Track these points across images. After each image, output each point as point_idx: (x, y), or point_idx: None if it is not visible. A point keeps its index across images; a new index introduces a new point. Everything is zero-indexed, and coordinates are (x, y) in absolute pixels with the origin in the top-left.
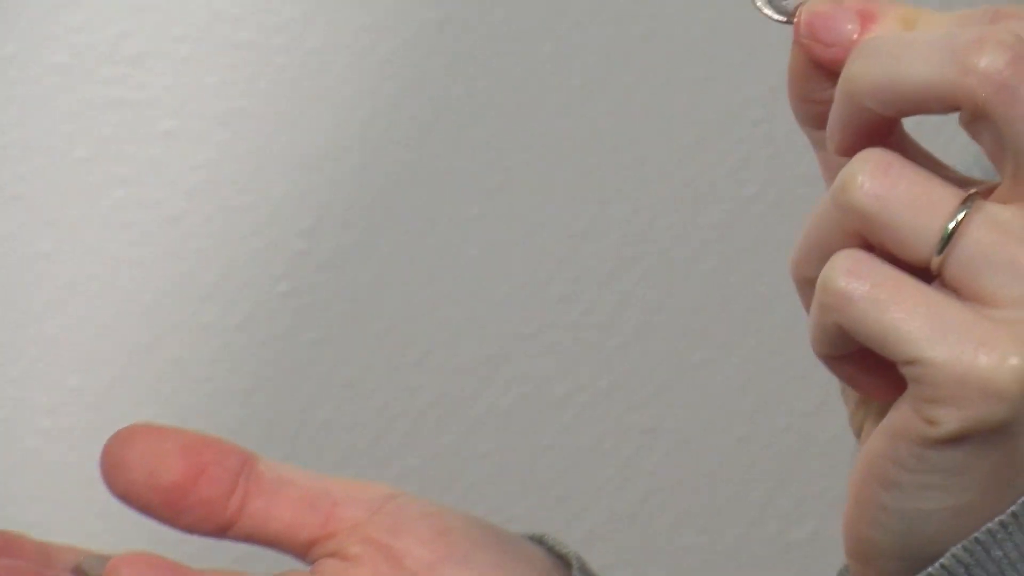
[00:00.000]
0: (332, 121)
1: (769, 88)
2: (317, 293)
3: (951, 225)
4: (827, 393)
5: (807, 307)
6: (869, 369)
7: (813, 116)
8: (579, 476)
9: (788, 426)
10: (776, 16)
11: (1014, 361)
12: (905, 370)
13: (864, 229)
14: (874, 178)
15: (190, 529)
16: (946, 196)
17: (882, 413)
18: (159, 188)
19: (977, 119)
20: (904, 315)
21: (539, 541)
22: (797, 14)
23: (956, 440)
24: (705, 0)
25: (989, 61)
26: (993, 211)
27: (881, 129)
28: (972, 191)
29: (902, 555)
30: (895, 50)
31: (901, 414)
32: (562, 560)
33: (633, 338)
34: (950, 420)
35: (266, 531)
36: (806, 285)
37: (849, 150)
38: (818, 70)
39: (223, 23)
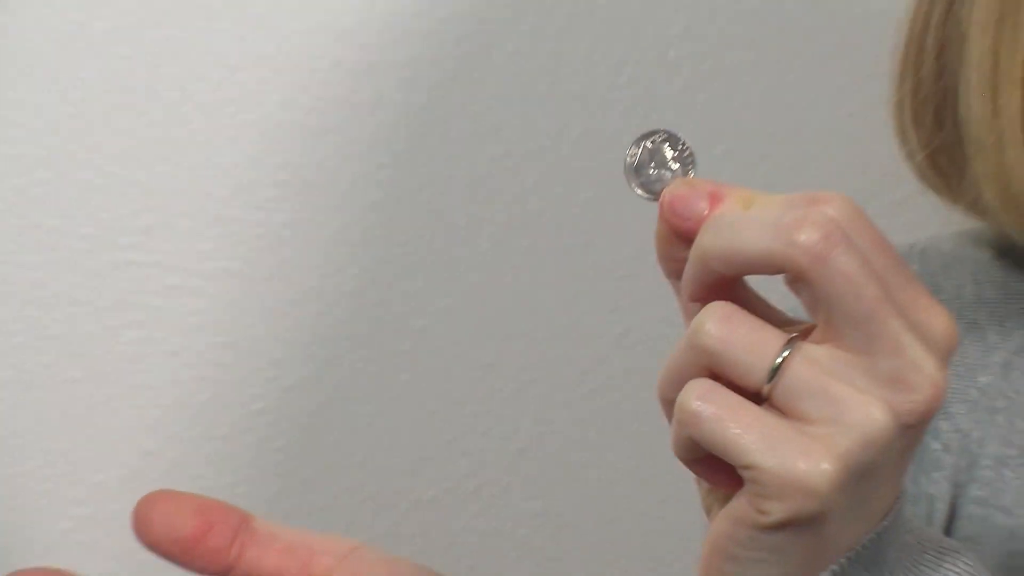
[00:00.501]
0: (296, 282)
1: None
2: (283, 411)
3: (778, 361)
4: None
5: (669, 421)
6: (716, 469)
7: (674, 271)
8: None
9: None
10: (646, 196)
11: (825, 466)
12: (742, 472)
13: (711, 364)
14: (718, 325)
15: (201, 571)
16: (774, 338)
17: (726, 500)
18: (163, 329)
19: (797, 281)
20: (741, 431)
21: None
22: (662, 194)
23: (780, 527)
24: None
25: (807, 237)
26: (809, 350)
27: (724, 284)
28: (794, 334)
29: None
30: (735, 226)
31: (739, 504)
32: None
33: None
34: (776, 511)
35: (258, 573)
36: (668, 404)
37: (700, 299)
38: (677, 237)
39: (213, 202)
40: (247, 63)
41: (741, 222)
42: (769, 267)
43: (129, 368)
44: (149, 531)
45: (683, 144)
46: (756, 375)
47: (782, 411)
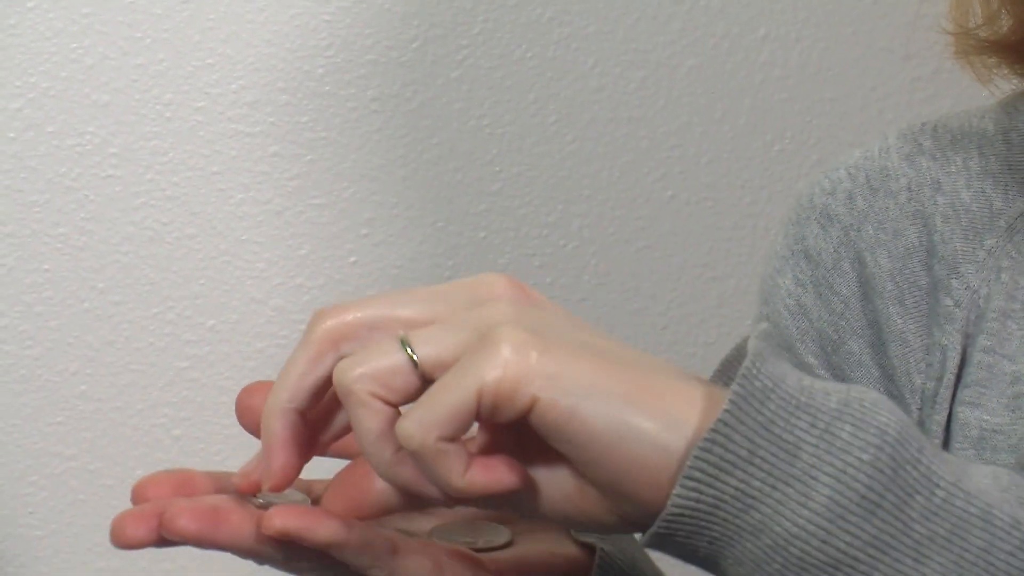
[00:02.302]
0: (387, 149)
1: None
2: (374, 264)
3: (409, 351)
4: None
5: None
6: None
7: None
8: None
9: None
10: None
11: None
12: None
13: (377, 393)
14: (354, 372)
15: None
16: (389, 340)
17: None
18: (267, 192)
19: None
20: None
21: None
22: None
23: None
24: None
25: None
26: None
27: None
28: (400, 333)
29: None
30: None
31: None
32: None
33: None
34: (523, 398)
35: (351, 448)
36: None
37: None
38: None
39: (311, 80)
40: None
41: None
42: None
43: (238, 225)
44: (251, 419)
45: None
46: (410, 375)
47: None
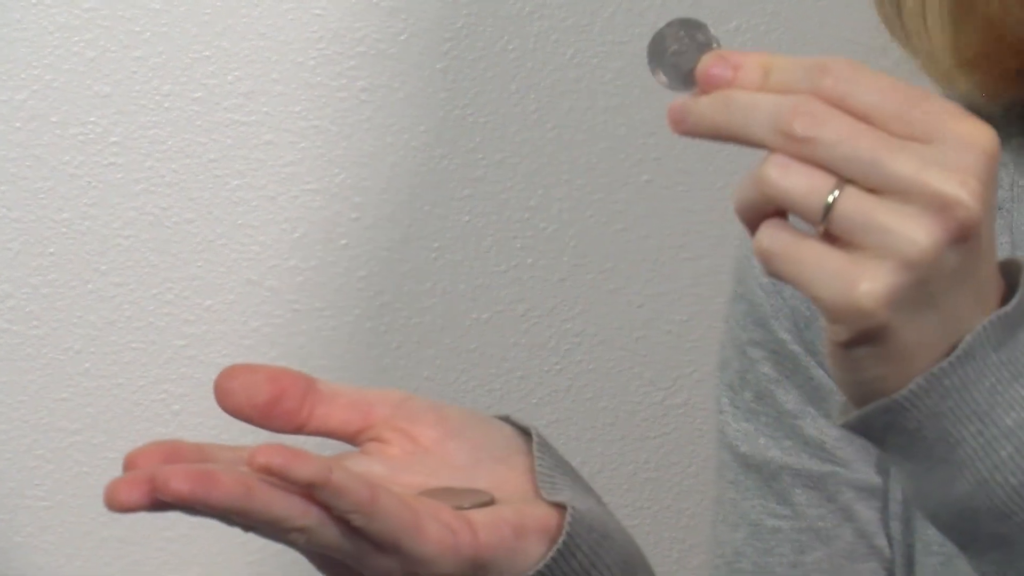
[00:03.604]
0: (374, 137)
1: None
2: (364, 246)
3: (829, 200)
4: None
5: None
6: None
7: None
8: None
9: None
10: (669, 81)
11: (871, 288)
12: (814, 303)
13: (776, 204)
14: (776, 171)
15: (279, 431)
16: (824, 181)
17: None
18: (263, 178)
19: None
20: (800, 268)
21: (505, 419)
22: (698, 67)
23: (851, 343)
24: None
25: (797, 125)
26: (858, 191)
27: None
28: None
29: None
30: (738, 108)
31: (827, 328)
32: (524, 432)
33: None
34: (842, 332)
35: (328, 428)
36: (745, 221)
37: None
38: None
39: (304, 71)
40: None
41: (744, 106)
42: (758, 147)
43: (234, 210)
44: (230, 400)
45: (707, 29)
46: (812, 214)
47: (841, 243)
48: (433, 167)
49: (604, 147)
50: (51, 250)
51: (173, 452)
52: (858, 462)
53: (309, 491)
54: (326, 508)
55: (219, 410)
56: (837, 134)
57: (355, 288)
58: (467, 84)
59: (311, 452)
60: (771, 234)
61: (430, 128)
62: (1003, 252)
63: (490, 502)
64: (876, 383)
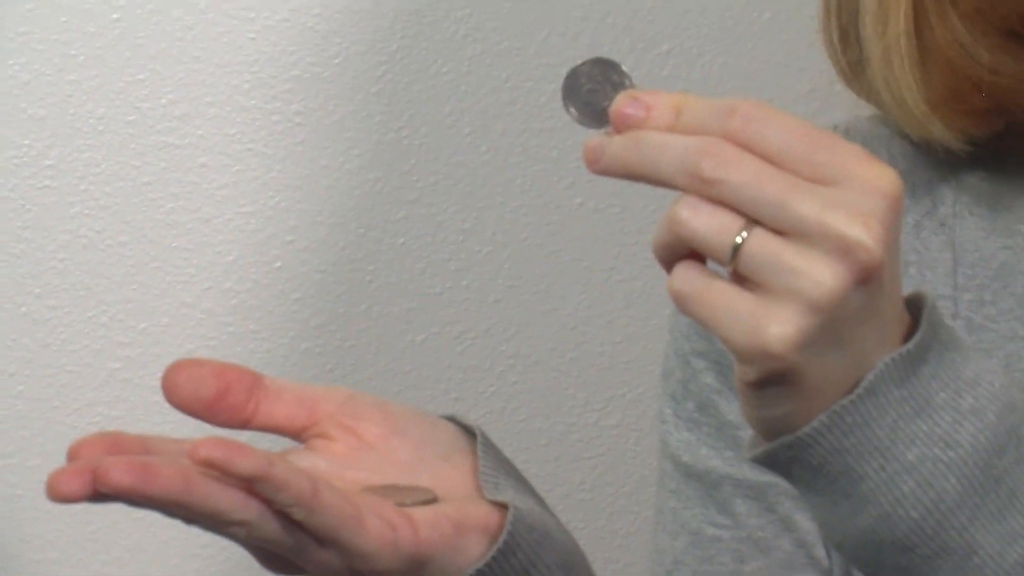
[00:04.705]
0: (310, 160)
1: None
2: (298, 268)
3: (737, 241)
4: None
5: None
6: None
7: None
8: None
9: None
10: (581, 118)
11: (780, 330)
12: (723, 345)
13: (688, 245)
14: (687, 213)
15: (224, 425)
16: (733, 222)
17: None
18: (196, 201)
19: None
20: (711, 310)
21: (450, 419)
22: (612, 107)
23: (761, 383)
24: None
25: (705, 165)
26: (766, 232)
27: None
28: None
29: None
30: (649, 147)
31: (736, 368)
32: (468, 431)
33: None
34: (751, 372)
35: (273, 423)
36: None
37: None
38: None
39: (239, 94)
40: None
41: (655, 146)
42: (669, 187)
43: (168, 233)
44: (176, 394)
45: (621, 69)
46: (721, 254)
47: (751, 284)
48: (368, 190)
49: (537, 170)
50: None
51: (115, 443)
52: None
53: (250, 485)
54: (267, 502)
55: (153, 432)
56: (744, 176)
57: (290, 311)
58: (402, 107)
59: (252, 446)
60: (683, 275)
61: (364, 151)
62: (945, 268)
63: (433, 500)
64: (784, 419)
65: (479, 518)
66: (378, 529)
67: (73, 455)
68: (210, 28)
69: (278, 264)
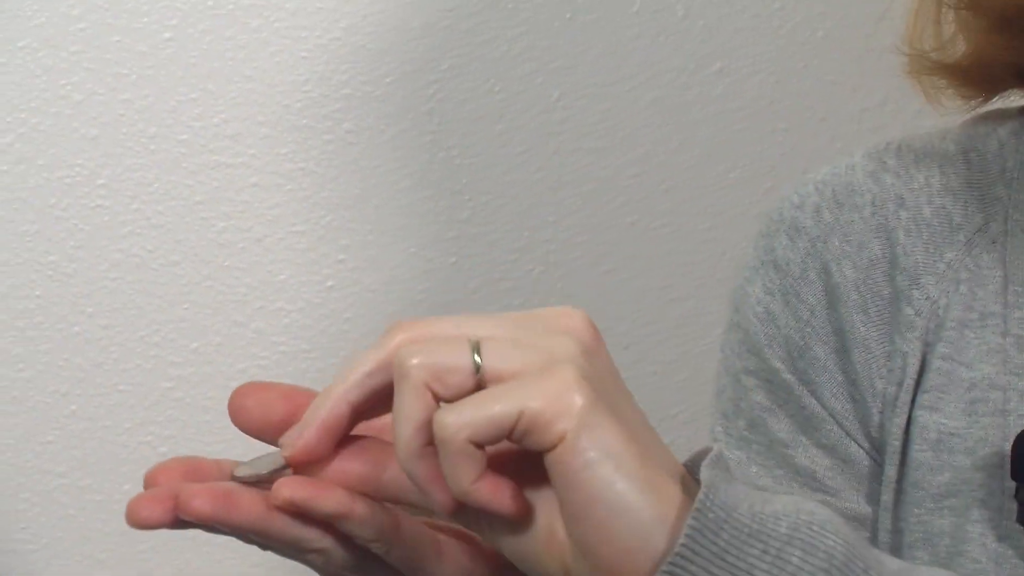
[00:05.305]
0: (359, 179)
1: None
2: (350, 288)
3: (477, 360)
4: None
5: (429, 481)
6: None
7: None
8: None
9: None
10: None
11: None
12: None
13: (430, 390)
14: (419, 358)
15: None
16: (462, 346)
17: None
18: (248, 220)
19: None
20: (501, 405)
21: None
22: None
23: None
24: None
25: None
26: (489, 341)
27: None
28: (475, 340)
29: None
30: None
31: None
32: None
33: None
34: (557, 429)
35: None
36: (424, 461)
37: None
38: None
39: (290, 113)
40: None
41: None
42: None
43: (220, 252)
44: (245, 418)
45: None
46: (467, 377)
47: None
48: (419, 209)
49: (590, 189)
50: (38, 293)
51: (194, 469)
52: (848, 491)
53: (332, 521)
54: (347, 536)
55: (206, 452)
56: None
57: (341, 330)
58: (453, 126)
59: (333, 484)
60: (449, 414)
61: (416, 170)
62: (996, 286)
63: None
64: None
65: None
66: (457, 560)
67: (151, 481)
68: (262, 47)
69: (329, 283)
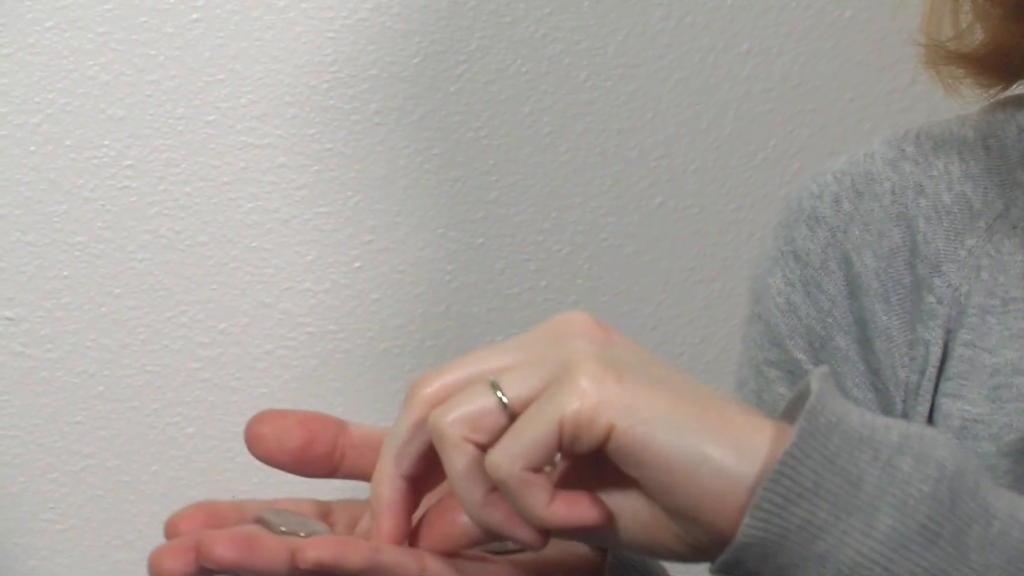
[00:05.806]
0: (387, 161)
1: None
2: (378, 268)
3: (501, 397)
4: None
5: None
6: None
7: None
8: None
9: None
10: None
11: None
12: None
13: (467, 438)
14: (446, 415)
15: (311, 475)
16: (481, 387)
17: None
18: (275, 201)
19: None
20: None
21: None
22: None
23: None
24: None
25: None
26: (503, 376)
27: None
28: (491, 379)
29: None
30: None
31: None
32: None
33: None
34: (599, 427)
35: (360, 471)
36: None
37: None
38: None
39: (317, 94)
40: None
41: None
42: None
43: (248, 233)
44: (261, 446)
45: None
46: (499, 416)
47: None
48: (446, 190)
49: (617, 170)
50: (65, 273)
51: (214, 515)
52: None
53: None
54: None
55: (231, 432)
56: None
57: (368, 311)
58: (480, 107)
59: (356, 539)
60: (499, 456)
61: (443, 151)
62: (1017, 271)
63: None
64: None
65: (579, 559)
66: None
67: (172, 530)
68: (289, 28)
69: (357, 264)
